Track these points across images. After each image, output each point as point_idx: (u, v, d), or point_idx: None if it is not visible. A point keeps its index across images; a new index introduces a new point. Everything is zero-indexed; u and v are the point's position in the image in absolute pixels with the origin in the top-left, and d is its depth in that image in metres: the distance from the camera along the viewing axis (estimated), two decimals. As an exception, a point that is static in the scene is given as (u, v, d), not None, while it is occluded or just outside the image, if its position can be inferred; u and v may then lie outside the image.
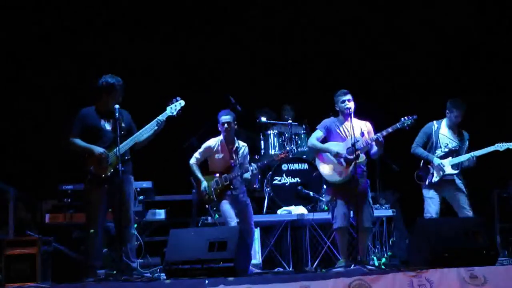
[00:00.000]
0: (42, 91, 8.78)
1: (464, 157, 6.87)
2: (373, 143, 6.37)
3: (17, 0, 8.69)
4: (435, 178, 6.88)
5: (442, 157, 6.92)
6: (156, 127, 6.11)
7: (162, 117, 6.11)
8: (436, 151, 6.97)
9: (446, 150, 6.94)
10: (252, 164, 6.84)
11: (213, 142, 6.88)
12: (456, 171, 6.86)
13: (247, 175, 6.83)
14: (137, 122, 6.21)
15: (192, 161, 6.89)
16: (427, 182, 6.93)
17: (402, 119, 6.29)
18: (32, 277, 5.92)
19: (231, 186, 6.69)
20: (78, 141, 6.07)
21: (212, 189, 6.72)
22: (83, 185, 6.21)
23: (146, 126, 6.11)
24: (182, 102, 6.19)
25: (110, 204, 6.12)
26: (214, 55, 9.27)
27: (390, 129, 6.29)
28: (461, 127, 7.06)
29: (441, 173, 6.85)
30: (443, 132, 7.03)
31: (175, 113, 6.14)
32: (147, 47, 9.11)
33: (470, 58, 9.23)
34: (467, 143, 6.98)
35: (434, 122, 7.08)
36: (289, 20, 9.45)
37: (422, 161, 7.01)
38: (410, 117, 6.28)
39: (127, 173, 6.11)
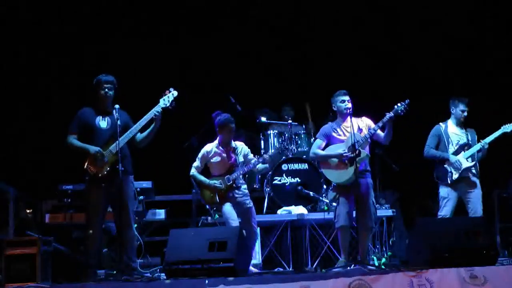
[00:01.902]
0: (43, 91, 8.78)
1: (476, 147, 6.89)
2: (378, 131, 6.43)
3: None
4: (455, 176, 6.87)
5: (454, 154, 6.94)
6: (153, 124, 6.08)
7: (155, 110, 6.04)
8: (449, 149, 6.99)
9: (457, 146, 6.96)
10: (264, 155, 6.82)
11: (209, 147, 6.83)
12: (472, 163, 6.85)
13: (262, 166, 6.79)
14: (136, 121, 6.19)
15: (192, 171, 6.83)
16: (449, 181, 6.90)
17: (395, 106, 6.30)
18: (32, 277, 5.92)
19: (234, 186, 6.69)
20: (75, 141, 6.08)
21: (215, 190, 6.72)
22: (83, 185, 6.22)
23: (140, 120, 6.08)
24: (175, 93, 6.10)
25: (110, 204, 6.13)
26: (214, 54, 9.26)
27: (385, 119, 6.31)
28: (467, 125, 7.08)
29: (459, 169, 6.85)
30: (451, 130, 7.06)
31: (168, 104, 6.04)
32: (146, 46, 9.11)
33: (470, 58, 9.23)
34: (476, 137, 7.01)
35: (441, 123, 7.11)
36: (289, 20, 9.45)
37: (437, 161, 7.01)
38: (403, 103, 6.28)
39: (127, 173, 6.10)
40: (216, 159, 6.77)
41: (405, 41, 9.34)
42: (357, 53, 9.41)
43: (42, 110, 8.74)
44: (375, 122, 6.51)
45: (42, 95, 8.77)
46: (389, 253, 7.64)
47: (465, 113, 7.00)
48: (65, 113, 6.54)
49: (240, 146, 6.90)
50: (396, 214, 7.87)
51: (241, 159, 6.82)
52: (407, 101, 6.27)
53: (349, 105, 6.46)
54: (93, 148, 5.98)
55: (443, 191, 6.95)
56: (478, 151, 6.91)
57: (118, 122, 5.96)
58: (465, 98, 7.02)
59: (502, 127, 6.89)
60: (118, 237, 6.11)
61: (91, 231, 6.02)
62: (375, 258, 7.42)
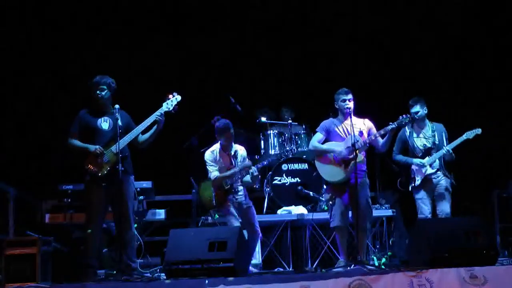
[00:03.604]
0: (43, 91, 8.78)
1: (438, 154, 6.93)
2: (378, 138, 6.42)
3: (18, 0, 8.71)
4: (417, 182, 6.95)
5: (421, 158, 6.99)
6: (156, 126, 6.09)
7: (158, 112, 6.08)
8: (418, 154, 7.03)
9: (423, 150, 7.00)
10: (252, 167, 6.83)
11: (211, 153, 6.87)
12: (433, 170, 6.91)
13: (247, 178, 6.82)
14: (138, 122, 6.20)
15: (214, 174, 6.79)
16: (410, 188, 7.02)
17: (400, 117, 6.31)
18: (32, 277, 5.92)
19: (232, 190, 6.69)
20: (76, 142, 6.10)
21: (213, 194, 6.72)
22: (83, 185, 6.23)
23: (143, 122, 6.11)
24: (179, 97, 6.16)
25: (110, 204, 6.13)
26: (214, 54, 9.26)
27: (388, 128, 6.31)
28: (433, 120, 7.11)
29: (423, 171, 6.91)
30: (416, 134, 7.08)
31: (171, 108, 6.10)
32: (147, 46, 9.11)
33: (470, 58, 9.23)
34: (443, 135, 7.01)
35: (406, 127, 7.08)
36: (289, 20, 9.44)
37: (403, 167, 7.10)
38: (408, 115, 6.31)
39: (127, 173, 6.11)
40: (219, 163, 6.83)
41: (405, 41, 9.34)
42: (357, 53, 9.40)
43: (42, 110, 8.74)
44: (376, 125, 6.51)
45: (42, 95, 8.77)
46: (389, 253, 7.63)
47: (420, 114, 6.96)
48: (66, 113, 6.55)
49: (240, 150, 6.94)
50: (396, 214, 7.87)
51: (240, 164, 6.84)
52: (412, 114, 6.30)
53: (350, 104, 6.45)
54: (92, 146, 6.00)
55: (416, 193, 6.99)
56: (445, 155, 6.93)
57: (119, 123, 5.98)
58: (415, 101, 7.00)
59: (464, 134, 6.90)
60: (118, 237, 6.11)
61: (91, 231, 6.03)
62: (375, 258, 7.42)
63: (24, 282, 5.76)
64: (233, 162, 6.82)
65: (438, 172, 6.93)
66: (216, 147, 6.87)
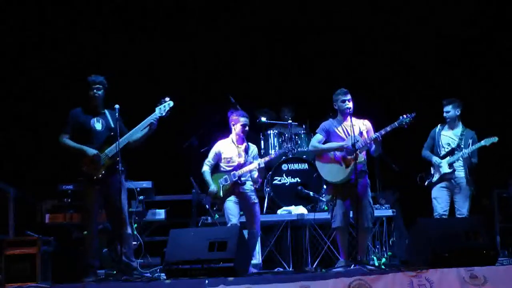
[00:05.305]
0: (43, 90, 8.78)
1: (456, 157, 6.96)
2: (372, 142, 6.39)
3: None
4: (434, 179, 7.03)
5: (443, 157, 7.03)
6: (147, 128, 6.10)
7: (152, 117, 6.09)
8: (440, 152, 7.08)
9: (448, 148, 7.04)
10: (259, 159, 6.83)
11: (223, 143, 6.87)
12: (450, 170, 6.95)
13: (254, 172, 6.81)
14: (137, 121, 6.20)
15: (205, 168, 6.82)
16: (426, 183, 7.08)
17: (401, 117, 6.29)
18: (32, 277, 5.93)
19: (239, 182, 6.69)
20: (69, 141, 6.10)
21: (221, 185, 6.71)
22: (77, 186, 6.25)
23: (138, 126, 6.11)
24: (171, 103, 6.16)
25: (104, 205, 6.14)
26: (214, 54, 9.26)
27: (388, 128, 6.28)
28: (466, 126, 7.13)
29: (441, 170, 6.97)
30: (445, 133, 7.14)
31: (164, 113, 6.11)
32: (146, 46, 9.10)
33: (470, 57, 9.23)
34: (470, 141, 7.01)
35: (439, 125, 7.20)
36: (289, 20, 9.44)
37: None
38: (409, 115, 6.27)
39: (120, 172, 6.09)
40: (228, 155, 6.80)
41: (406, 41, 9.34)
42: (356, 53, 9.40)
43: (43, 110, 8.74)
44: (377, 125, 6.49)
45: (42, 94, 8.77)
46: (389, 253, 7.64)
47: (451, 114, 7.04)
48: (66, 113, 6.54)
49: (252, 147, 6.96)
50: (396, 214, 7.87)
51: (250, 160, 6.84)
52: (413, 115, 6.25)
53: (350, 105, 6.44)
54: (90, 151, 6.01)
55: (434, 192, 7.06)
56: (464, 159, 6.98)
57: (111, 124, 6.03)
58: (449, 101, 7.08)
59: (483, 140, 6.93)
60: (114, 236, 6.14)
61: (87, 232, 6.05)
62: (375, 258, 7.43)
63: (24, 282, 5.78)
64: (243, 156, 6.80)
65: (457, 173, 6.96)
66: (229, 139, 6.86)
